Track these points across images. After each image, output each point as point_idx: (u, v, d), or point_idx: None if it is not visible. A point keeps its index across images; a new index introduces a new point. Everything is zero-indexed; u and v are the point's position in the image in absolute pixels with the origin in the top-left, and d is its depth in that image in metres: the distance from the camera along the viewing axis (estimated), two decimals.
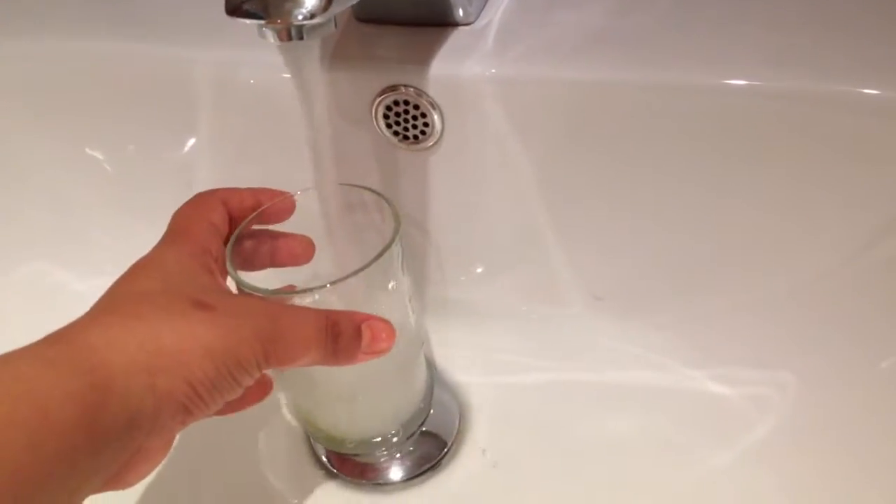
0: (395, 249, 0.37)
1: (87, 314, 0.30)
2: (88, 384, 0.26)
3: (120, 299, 0.31)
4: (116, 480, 0.29)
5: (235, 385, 0.30)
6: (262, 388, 0.37)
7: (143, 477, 0.31)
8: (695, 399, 0.43)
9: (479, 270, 0.49)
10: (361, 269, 0.34)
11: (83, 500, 0.27)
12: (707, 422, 0.42)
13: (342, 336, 0.33)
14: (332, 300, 0.35)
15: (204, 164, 0.50)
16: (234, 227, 0.37)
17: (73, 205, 0.50)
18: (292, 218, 0.39)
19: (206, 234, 0.35)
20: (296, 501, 0.43)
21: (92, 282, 0.50)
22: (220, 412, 0.32)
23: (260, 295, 0.34)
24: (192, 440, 0.38)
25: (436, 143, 0.44)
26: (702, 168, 0.40)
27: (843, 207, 0.39)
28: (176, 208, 0.37)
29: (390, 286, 0.38)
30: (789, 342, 0.41)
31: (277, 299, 0.34)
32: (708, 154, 0.40)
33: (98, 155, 0.50)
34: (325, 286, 0.34)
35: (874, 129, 0.36)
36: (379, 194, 0.38)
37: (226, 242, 0.36)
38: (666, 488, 0.40)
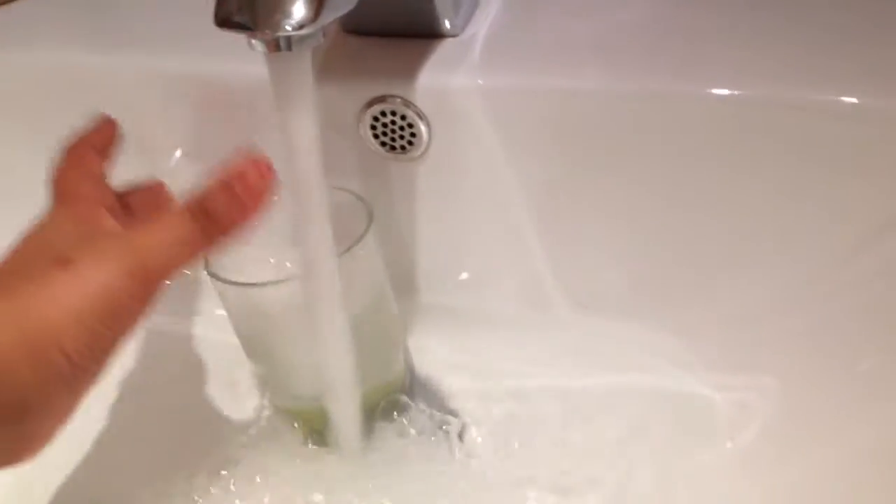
0: (369, 239, 0.37)
1: None
2: None
3: None
4: (7, 461, 0.28)
5: (118, 335, 0.28)
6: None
7: (37, 453, 0.28)
8: (680, 403, 0.43)
9: (465, 278, 0.49)
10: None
11: None
12: (692, 425, 0.43)
13: (212, 205, 0.29)
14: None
15: (187, 176, 0.49)
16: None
17: None
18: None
19: (88, 188, 0.34)
20: None
21: None
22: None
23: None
24: None
25: (423, 153, 0.44)
26: (687, 177, 0.41)
27: (825, 215, 0.39)
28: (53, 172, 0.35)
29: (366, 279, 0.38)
30: (773, 348, 0.41)
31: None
32: (693, 163, 0.40)
33: None
34: (295, 276, 0.35)
35: (854, 137, 0.37)
36: (352, 192, 0.39)
37: None
38: (650, 491, 0.41)
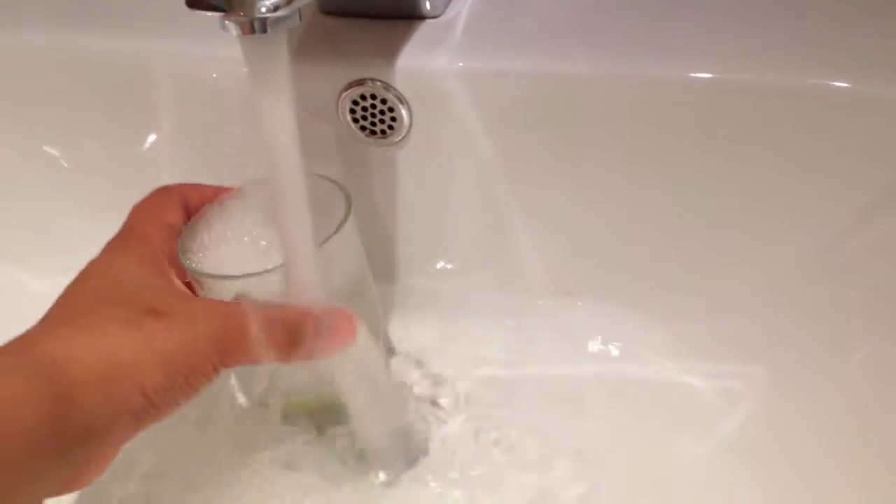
0: (349, 227, 0.37)
1: (42, 324, 0.30)
2: (51, 394, 0.26)
3: (74, 309, 0.31)
4: (71, 484, 0.30)
5: (190, 390, 0.30)
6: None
7: (96, 479, 0.31)
8: (665, 391, 0.43)
9: (448, 265, 0.49)
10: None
11: None
12: (677, 414, 0.42)
13: (301, 330, 0.33)
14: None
15: (165, 159, 0.49)
16: None
17: (30, 202, 0.49)
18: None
19: (160, 237, 0.35)
20: None
21: (51, 280, 0.48)
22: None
23: (215, 286, 0.34)
24: None
25: (403, 137, 0.43)
26: (673, 162, 0.40)
27: (814, 201, 0.39)
28: (136, 204, 0.36)
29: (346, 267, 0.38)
30: (762, 335, 0.41)
31: (235, 304, 0.33)
32: (680, 148, 0.40)
33: (55, 151, 0.49)
34: (277, 267, 0.34)
35: (845, 122, 0.37)
36: (331, 179, 0.38)
37: None
38: (637, 479, 0.40)
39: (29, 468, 0.25)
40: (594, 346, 0.46)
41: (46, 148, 0.48)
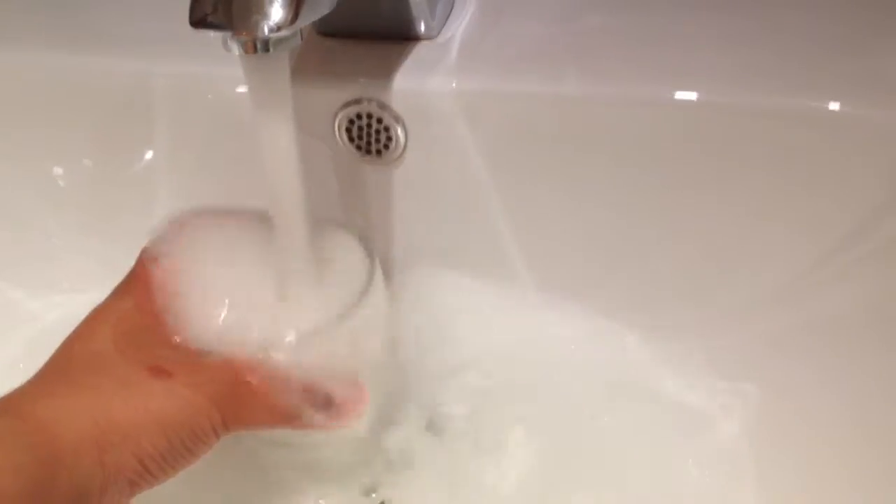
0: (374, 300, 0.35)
1: (37, 378, 0.29)
2: (37, 459, 0.26)
3: (72, 363, 0.30)
4: None
5: (189, 455, 0.30)
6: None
7: None
8: (660, 403, 0.44)
9: (443, 279, 0.49)
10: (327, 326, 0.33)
11: None
12: (657, 421, 0.43)
13: (311, 403, 0.32)
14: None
15: (162, 179, 0.49)
16: None
17: (27, 221, 0.49)
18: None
19: None
20: None
21: (48, 299, 0.49)
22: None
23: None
24: None
25: (399, 156, 0.44)
26: (665, 178, 0.41)
27: (803, 220, 0.39)
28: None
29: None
30: (752, 349, 0.42)
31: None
32: (671, 166, 0.41)
33: (53, 170, 0.49)
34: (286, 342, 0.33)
35: (834, 142, 0.37)
36: (358, 238, 0.38)
37: None
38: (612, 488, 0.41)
39: None
40: (586, 356, 0.46)
41: (43, 166, 0.48)
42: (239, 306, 0.34)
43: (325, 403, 0.33)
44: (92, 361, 0.30)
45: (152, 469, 0.28)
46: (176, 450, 0.29)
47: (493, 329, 0.48)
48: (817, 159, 0.38)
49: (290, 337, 0.33)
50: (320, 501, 0.42)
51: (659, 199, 0.42)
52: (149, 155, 0.49)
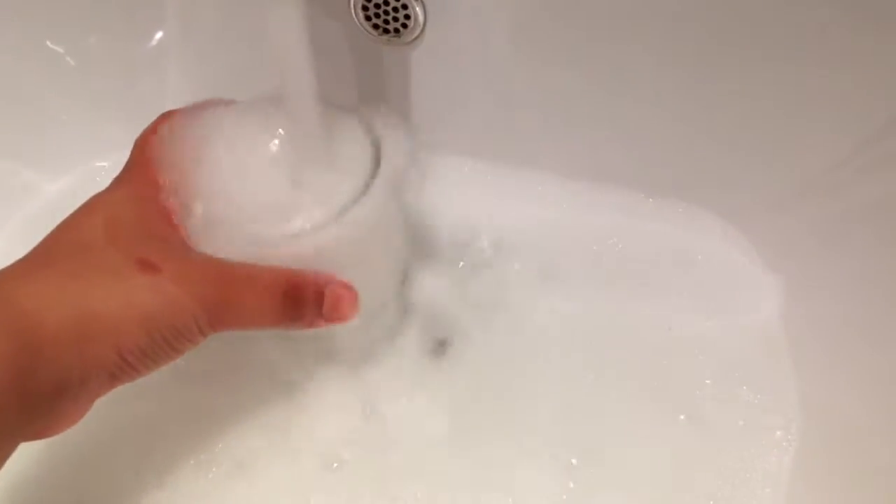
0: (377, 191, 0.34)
1: (23, 262, 0.29)
2: (19, 347, 0.25)
3: (59, 250, 0.29)
4: (39, 434, 0.28)
5: (171, 352, 0.29)
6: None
7: (68, 429, 0.30)
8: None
9: (462, 165, 0.48)
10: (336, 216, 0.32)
11: (9, 454, 0.27)
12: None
13: (302, 302, 0.31)
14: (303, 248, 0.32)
15: (173, 57, 0.47)
16: None
17: (34, 99, 0.48)
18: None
19: None
20: None
21: (59, 180, 0.48)
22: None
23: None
24: None
25: (417, 36, 0.42)
26: (699, 57, 0.39)
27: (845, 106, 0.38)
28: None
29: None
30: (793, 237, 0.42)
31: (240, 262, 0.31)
32: (710, 54, 0.39)
33: (59, 48, 0.47)
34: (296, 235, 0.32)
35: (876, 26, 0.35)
36: (371, 124, 0.36)
37: None
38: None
39: None
40: (613, 245, 0.46)
41: (51, 44, 0.47)
42: (240, 194, 0.32)
43: (317, 301, 0.32)
44: (80, 250, 0.29)
45: (133, 363, 0.28)
46: (158, 346, 0.28)
47: (514, 216, 0.47)
48: (858, 44, 0.36)
49: (286, 230, 0.32)
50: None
51: (689, 73, 0.40)
52: (160, 33, 0.47)
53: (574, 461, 0.38)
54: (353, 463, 0.38)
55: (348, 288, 0.33)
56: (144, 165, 0.32)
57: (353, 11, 0.42)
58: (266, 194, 0.33)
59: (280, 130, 0.33)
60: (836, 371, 0.38)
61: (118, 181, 0.32)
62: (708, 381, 0.40)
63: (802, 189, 0.41)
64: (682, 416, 0.39)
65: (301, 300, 0.31)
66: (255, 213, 0.32)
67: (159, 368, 0.29)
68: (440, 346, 0.42)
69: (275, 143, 0.33)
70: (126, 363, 0.28)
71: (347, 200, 0.33)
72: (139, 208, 0.31)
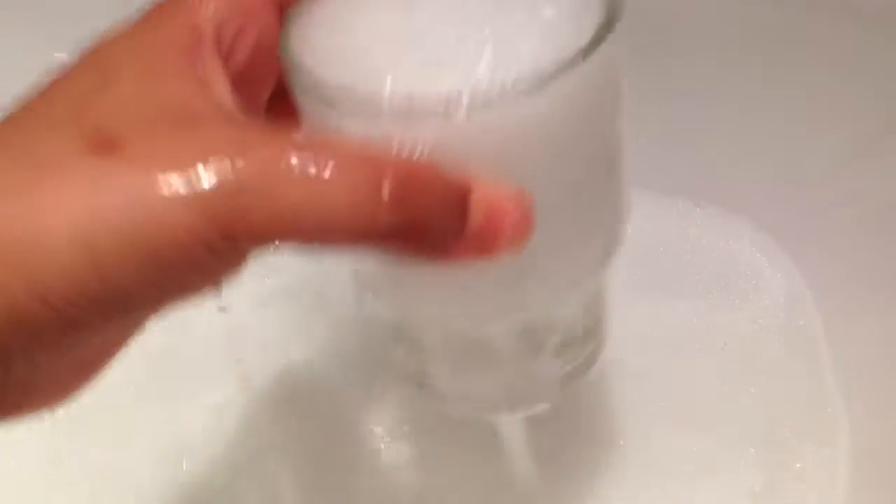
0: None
1: None
2: None
3: (13, 124, 0.18)
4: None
5: (154, 290, 0.16)
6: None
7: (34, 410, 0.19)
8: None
9: None
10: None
11: None
12: None
13: (420, 207, 0.17)
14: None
15: None
16: None
17: None
18: None
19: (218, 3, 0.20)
20: None
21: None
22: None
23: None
24: None
25: None
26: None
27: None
28: None
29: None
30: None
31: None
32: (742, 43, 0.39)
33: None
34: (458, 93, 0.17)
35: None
36: None
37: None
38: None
39: None
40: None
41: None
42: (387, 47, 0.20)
43: (458, 213, 0.17)
44: (33, 125, 0.18)
45: (77, 314, 0.16)
46: (115, 282, 0.16)
47: None
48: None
49: (434, 92, 0.17)
50: None
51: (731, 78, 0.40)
52: None
53: None
54: None
55: (514, 194, 0.18)
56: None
57: None
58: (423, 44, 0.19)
59: None
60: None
61: (143, 18, 0.20)
62: None
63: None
64: None
65: (416, 203, 0.17)
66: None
67: (150, 318, 0.18)
68: None
69: None
70: (53, 310, 0.16)
71: (553, 62, 0.18)
72: (156, 57, 0.19)
